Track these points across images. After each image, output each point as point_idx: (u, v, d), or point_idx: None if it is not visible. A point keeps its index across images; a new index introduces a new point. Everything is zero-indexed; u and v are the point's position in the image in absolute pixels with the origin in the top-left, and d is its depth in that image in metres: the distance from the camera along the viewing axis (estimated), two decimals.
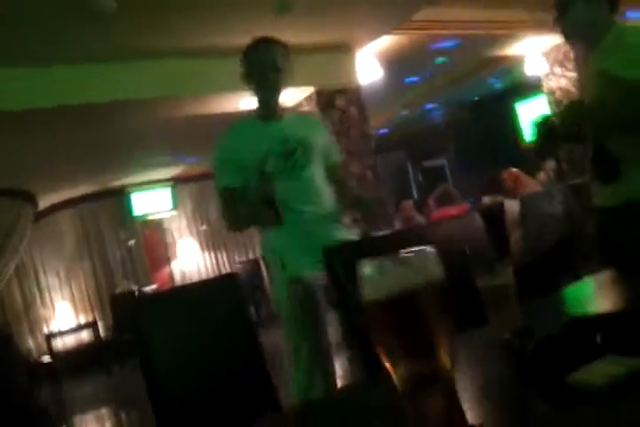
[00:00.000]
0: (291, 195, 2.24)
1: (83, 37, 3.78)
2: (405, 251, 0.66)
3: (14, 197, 7.22)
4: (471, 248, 1.58)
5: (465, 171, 8.43)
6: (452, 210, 4.25)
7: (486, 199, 4.35)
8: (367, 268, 0.64)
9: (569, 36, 2.15)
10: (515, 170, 4.34)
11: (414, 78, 6.65)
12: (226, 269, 9.25)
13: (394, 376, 0.62)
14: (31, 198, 7.48)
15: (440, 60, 6.09)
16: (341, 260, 1.47)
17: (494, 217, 3.41)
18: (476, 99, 8.63)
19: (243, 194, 2.26)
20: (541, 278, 2.34)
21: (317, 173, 2.31)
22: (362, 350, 1.37)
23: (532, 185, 4.37)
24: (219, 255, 9.35)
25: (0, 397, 0.90)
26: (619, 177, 1.96)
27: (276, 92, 2.33)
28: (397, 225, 5.47)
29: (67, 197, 8.19)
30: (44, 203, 7.80)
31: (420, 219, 5.34)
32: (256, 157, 2.25)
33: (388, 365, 0.62)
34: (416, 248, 0.66)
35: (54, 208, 8.22)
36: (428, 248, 0.65)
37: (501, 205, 3.44)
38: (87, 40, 3.83)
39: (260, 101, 2.36)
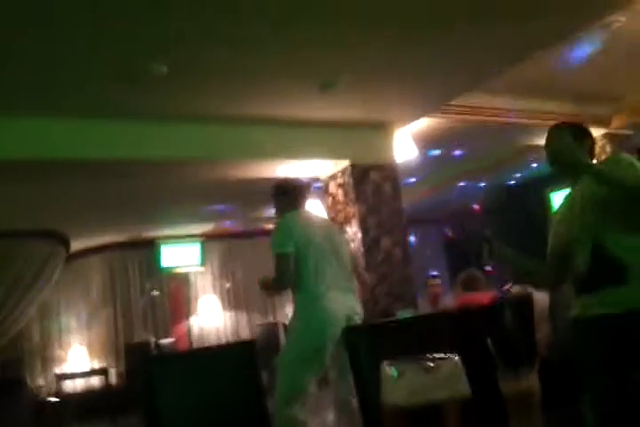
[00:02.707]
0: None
1: (131, 96, 3.94)
2: (430, 356, 0.65)
3: (48, 238, 7.41)
4: (497, 346, 1.54)
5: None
6: (478, 296, 4.17)
7: (516, 288, 4.26)
8: (391, 371, 0.63)
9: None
10: None
11: (456, 154, 6.69)
12: (244, 330, 9.15)
13: None
14: (64, 241, 7.66)
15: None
16: (366, 343, 1.45)
17: (522, 308, 3.32)
18: (513, 184, 8.67)
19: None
20: (568, 381, 2.25)
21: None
22: None
23: None
24: (239, 315, 9.28)
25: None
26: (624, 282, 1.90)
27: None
28: (423, 302, 5.43)
29: (98, 244, 8.34)
30: (75, 246, 7.96)
31: (446, 301, 5.26)
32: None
33: None
34: (442, 355, 0.65)
35: (85, 253, 8.37)
36: (455, 358, 0.64)
37: (530, 296, 3.36)
38: (134, 99, 3.98)
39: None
